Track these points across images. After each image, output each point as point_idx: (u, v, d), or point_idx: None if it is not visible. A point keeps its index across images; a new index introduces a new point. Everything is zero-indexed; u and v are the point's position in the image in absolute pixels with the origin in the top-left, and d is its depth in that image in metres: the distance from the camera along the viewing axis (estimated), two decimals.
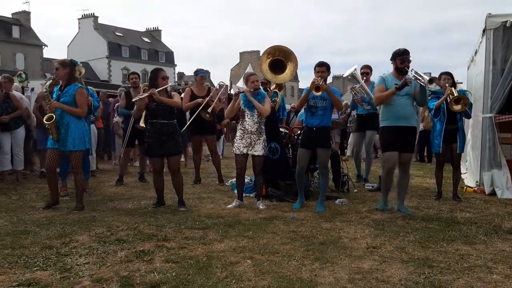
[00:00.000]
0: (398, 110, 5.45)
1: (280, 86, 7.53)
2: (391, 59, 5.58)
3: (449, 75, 6.43)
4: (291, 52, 7.02)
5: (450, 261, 3.70)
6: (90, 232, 4.46)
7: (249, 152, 5.83)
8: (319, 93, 5.42)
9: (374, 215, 5.41)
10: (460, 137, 6.43)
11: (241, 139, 5.83)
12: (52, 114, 5.31)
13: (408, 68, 5.43)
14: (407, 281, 3.25)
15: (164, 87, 5.67)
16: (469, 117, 6.53)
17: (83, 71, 6.80)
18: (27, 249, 3.89)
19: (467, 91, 6.81)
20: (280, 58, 7.04)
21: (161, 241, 4.17)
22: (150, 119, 5.72)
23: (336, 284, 3.17)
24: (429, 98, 6.68)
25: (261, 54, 7.65)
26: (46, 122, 5.29)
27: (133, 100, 7.37)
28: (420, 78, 5.29)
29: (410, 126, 5.50)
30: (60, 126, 5.38)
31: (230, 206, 5.81)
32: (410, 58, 5.48)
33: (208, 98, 7.43)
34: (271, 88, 7.42)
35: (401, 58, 5.47)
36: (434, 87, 5.17)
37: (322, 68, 5.65)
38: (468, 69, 10.04)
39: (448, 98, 6.20)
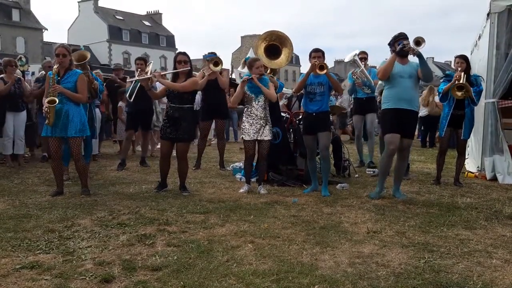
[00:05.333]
0: (399, 92, 5.42)
1: (274, 71, 7.47)
2: (389, 45, 5.62)
3: (463, 58, 6.34)
4: (287, 37, 6.97)
5: (450, 245, 3.71)
6: (92, 216, 4.49)
7: (258, 138, 5.85)
8: (324, 71, 5.54)
9: (375, 200, 5.42)
10: (466, 123, 6.40)
11: (251, 125, 5.84)
12: (54, 98, 5.29)
13: (408, 48, 5.40)
14: (407, 265, 3.27)
15: (177, 70, 5.64)
16: (475, 104, 6.46)
17: (89, 55, 6.77)
18: (29, 233, 3.91)
19: (480, 76, 6.69)
20: (276, 43, 6.99)
21: (162, 225, 4.20)
22: (168, 102, 5.85)
23: (337, 268, 3.20)
24: (441, 80, 6.64)
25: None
26: (48, 104, 5.26)
27: (128, 80, 7.36)
28: (413, 48, 5.34)
29: (412, 110, 5.46)
30: (59, 112, 5.36)
31: (241, 191, 5.83)
32: (407, 41, 5.51)
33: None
34: (266, 73, 7.36)
35: (398, 41, 5.55)
36: (422, 46, 5.25)
37: (318, 53, 5.72)
38: (471, 53, 9.93)
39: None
